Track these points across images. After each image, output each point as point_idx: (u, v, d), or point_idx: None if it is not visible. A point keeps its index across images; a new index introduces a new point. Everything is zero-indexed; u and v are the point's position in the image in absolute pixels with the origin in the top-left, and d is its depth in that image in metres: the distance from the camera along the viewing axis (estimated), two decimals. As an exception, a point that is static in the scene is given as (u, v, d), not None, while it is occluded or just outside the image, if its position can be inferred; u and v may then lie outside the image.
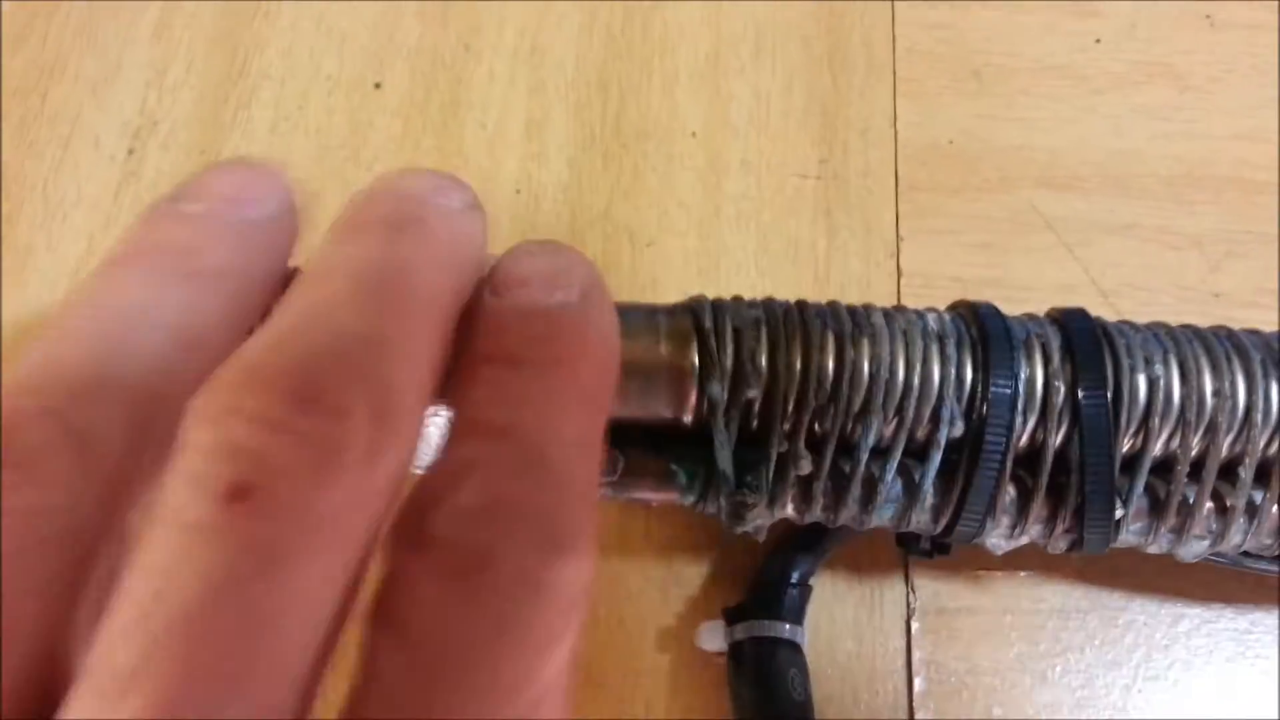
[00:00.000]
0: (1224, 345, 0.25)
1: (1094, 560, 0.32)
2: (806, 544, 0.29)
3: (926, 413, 0.24)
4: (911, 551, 0.28)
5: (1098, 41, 0.40)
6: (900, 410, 0.24)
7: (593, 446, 0.15)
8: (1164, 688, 0.30)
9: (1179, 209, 0.37)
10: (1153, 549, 0.26)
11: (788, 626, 0.28)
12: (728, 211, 0.36)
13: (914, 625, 0.30)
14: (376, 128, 0.38)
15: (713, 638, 0.29)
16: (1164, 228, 0.37)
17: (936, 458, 0.24)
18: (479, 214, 0.16)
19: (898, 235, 0.36)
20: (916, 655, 0.30)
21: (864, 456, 0.24)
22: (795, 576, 0.29)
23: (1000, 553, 0.26)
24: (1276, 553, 0.27)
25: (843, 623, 0.30)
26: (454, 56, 0.38)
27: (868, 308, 0.25)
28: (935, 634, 0.30)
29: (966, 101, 0.38)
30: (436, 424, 0.15)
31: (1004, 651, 0.30)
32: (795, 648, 0.28)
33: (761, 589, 0.29)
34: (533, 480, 0.14)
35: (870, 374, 0.24)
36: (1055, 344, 0.25)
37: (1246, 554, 0.27)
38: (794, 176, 0.37)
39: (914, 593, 0.31)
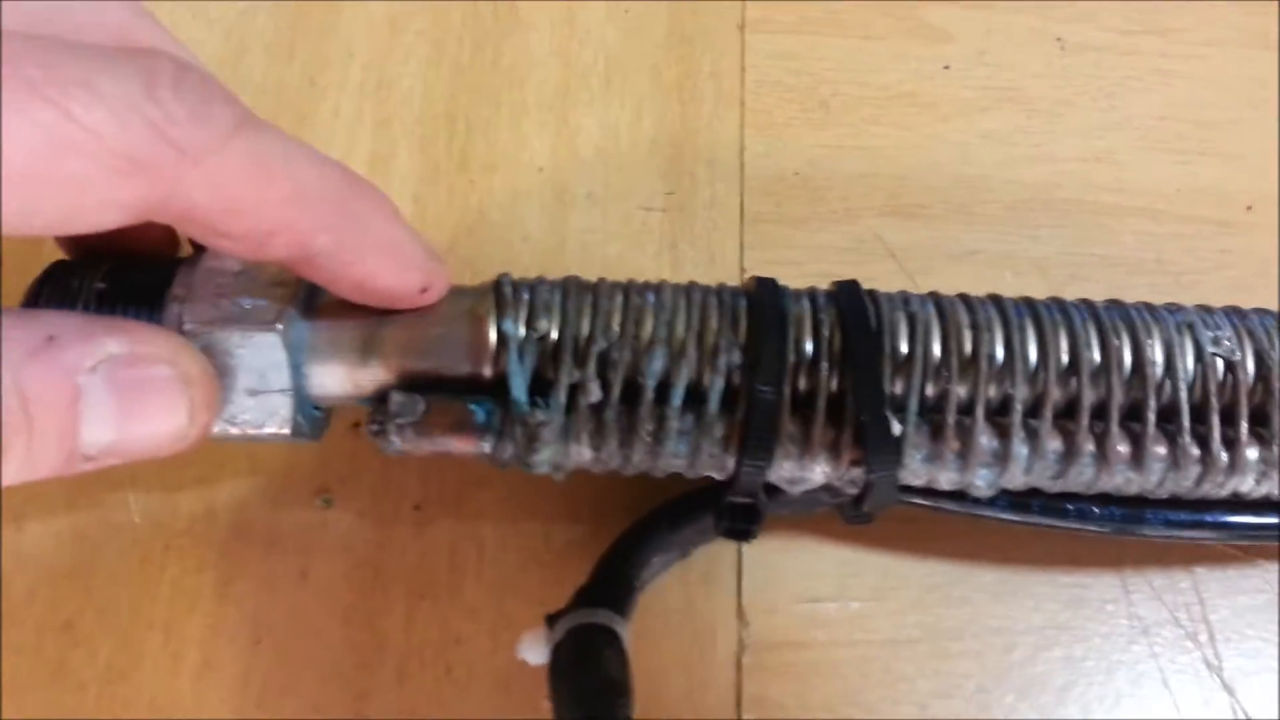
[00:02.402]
0: (981, 301, 0.28)
1: (928, 589, 0.32)
2: (633, 542, 0.29)
3: (707, 345, 0.26)
4: (734, 535, 0.29)
5: (946, 68, 0.40)
6: (683, 345, 0.26)
7: None
8: (997, 716, 0.31)
9: (1023, 234, 0.37)
10: (945, 480, 0.26)
11: (605, 612, 0.28)
12: (573, 245, 0.36)
13: (745, 661, 0.30)
14: (220, 166, 0.37)
15: (534, 647, 0.28)
16: (1007, 253, 0.37)
17: (719, 382, 0.26)
18: None
19: (741, 267, 0.36)
20: (747, 692, 0.30)
21: (650, 383, 0.26)
22: (621, 569, 0.29)
23: (798, 491, 0.26)
24: (1059, 488, 0.28)
25: (673, 659, 0.30)
26: (299, 93, 0.38)
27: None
28: (766, 670, 0.30)
29: (814, 132, 0.38)
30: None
31: (835, 685, 0.30)
32: (612, 633, 0.27)
33: (585, 585, 0.29)
34: None
35: (654, 313, 0.26)
36: (821, 293, 0.28)
37: (1041, 496, 0.28)
38: (640, 209, 0.37)
39: (746, 627, 0.31)
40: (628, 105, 0.38)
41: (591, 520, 0.31)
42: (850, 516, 0.29)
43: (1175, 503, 0.28)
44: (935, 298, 0.28)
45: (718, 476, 0.27)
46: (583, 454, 0.26)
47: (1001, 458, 0.26)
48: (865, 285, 0.36)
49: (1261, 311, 0.29)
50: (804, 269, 0.36)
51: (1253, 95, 0.41)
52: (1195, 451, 0.26)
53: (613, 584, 0.29)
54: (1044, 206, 0.38)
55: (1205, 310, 0.28)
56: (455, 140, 0.37)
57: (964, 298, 0.28)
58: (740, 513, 0.28)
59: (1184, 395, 0.27)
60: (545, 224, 0.36)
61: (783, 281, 0.36)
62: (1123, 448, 0.26)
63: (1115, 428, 0.26)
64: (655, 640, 0.30)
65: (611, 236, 0.36)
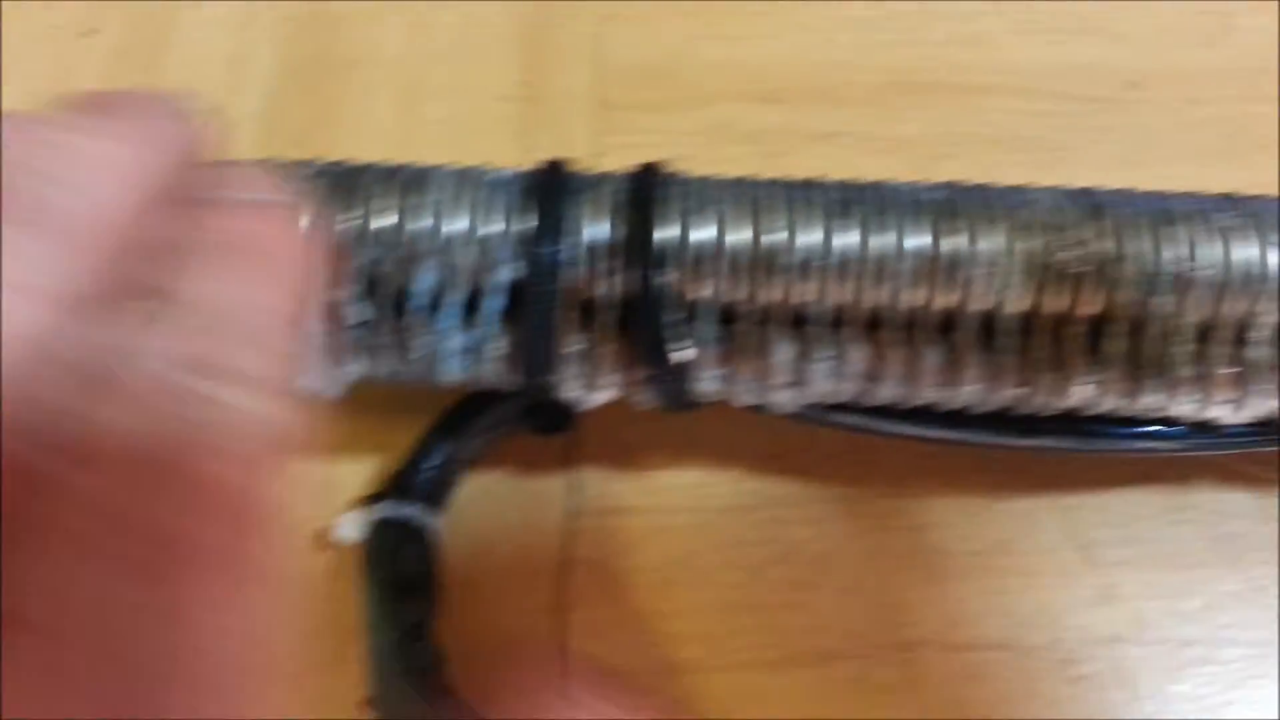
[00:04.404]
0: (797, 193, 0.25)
1: (768, 455, 0.31)
2: (448, 428, 0.29)
3: (485, 256, 0.24)
4: (545, 432, 0.28)
5: (816, -42, 0.40)
6: (457, 256, 0.24)
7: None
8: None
9: (886, 115, 0.37)
10: (745, 398, 0.26)
11: (411, 506, 0.27)
12: (427, 136, 0.36)
13: (576, 525, 0.30)
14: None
15: (351, 528, 0.28)
16: (869, 134, 0.36)
17: (497, 301, 0.25)
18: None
19: (594, 152, 0.35)
20: (578, 554, 0.30)
21: (417, 303, 0.25)
22: (433, 459, 0.28)
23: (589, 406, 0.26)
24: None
25: (500, 522, 0.30)
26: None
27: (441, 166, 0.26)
28: (597, 533, 0.30)
29: (676, 21, 0.38)
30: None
31: (668, 550, 0.30)
32: (413, 528, 0.27)
33: (395, 474, 0.28)
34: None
35: (426, 218, 0.24)
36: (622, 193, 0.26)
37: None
38: (495, 100, 0.36)
39: (580, 493, 0.30)
40: (486, -2, 0.38)
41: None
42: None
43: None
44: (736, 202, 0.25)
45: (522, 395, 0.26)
46: (355, 370, 0.25)
47: (802, 379, 0.25)
48: (714, 169, 0.36)
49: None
50: (656, 153, 0.35)
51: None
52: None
53: (422, 472, 0.28)
54: (910, 89, 0.37)
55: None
56: (319, 36, 0.38)
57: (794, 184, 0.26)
58: (545, 413, 0.27)
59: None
60: (399, 115, 0.36)
61: (635, 161, 0.35)
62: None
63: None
64: (481, 503, 0.30)
65: (463, 127, 0.36)
